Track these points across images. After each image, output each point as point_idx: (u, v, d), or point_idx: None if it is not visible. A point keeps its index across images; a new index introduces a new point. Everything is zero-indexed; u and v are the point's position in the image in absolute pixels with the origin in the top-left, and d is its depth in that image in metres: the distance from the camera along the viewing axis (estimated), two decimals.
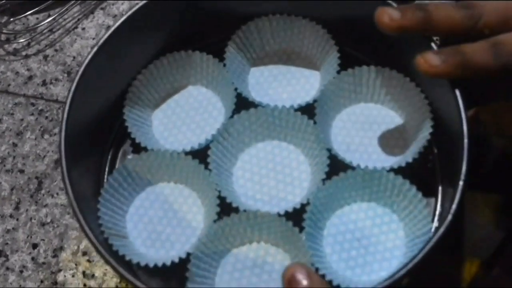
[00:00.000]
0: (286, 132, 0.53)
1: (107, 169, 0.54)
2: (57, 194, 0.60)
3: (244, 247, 0.50)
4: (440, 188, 0.50)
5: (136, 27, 0.51)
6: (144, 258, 0.48)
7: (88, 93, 0.50)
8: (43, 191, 0.60)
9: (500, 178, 0.69)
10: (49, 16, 0.69)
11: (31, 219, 0.59)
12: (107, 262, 0.43)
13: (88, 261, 0.57)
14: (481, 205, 0.70)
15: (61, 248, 0.58)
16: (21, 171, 0.61)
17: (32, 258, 0.58)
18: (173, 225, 0.51)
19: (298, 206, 0.48)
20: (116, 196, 0.51)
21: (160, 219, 0.52)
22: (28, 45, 0.68)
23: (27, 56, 0.67)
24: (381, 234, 0.50)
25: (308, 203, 0.48)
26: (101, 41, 0.50)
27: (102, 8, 0.69)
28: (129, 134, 0.52)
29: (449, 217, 0.41)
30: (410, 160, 0.49)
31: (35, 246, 0.58)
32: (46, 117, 0.64)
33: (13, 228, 0.59)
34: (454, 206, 0.41)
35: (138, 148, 0.52)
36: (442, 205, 0.49)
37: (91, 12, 0.68)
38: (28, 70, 0.66)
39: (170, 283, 0.49)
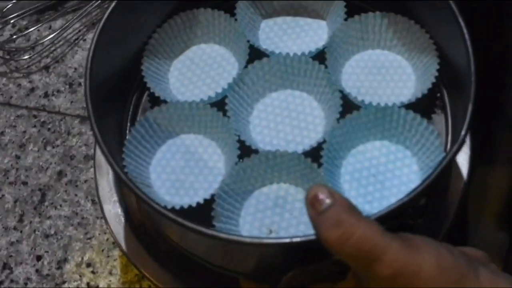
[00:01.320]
0: (299, 81, 0.55)
1: (128, 124, 0.56)
2: (61, 206, 0.60)
3: (265, 188, 0.52)
4: (450, 120, 0.53)
5: None
6: (170, 203, 0.50)
7: (106, 52, 0.52)
8: (46, 203, 0.61)
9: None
10: (50, 28, 0.69)
11: (34, 231, 0.59)
12: (137, 195, 0.45)
13: (92, 272, 0.58)
14: (493, 182, 0.71)
15: (65, 260, 0.58)
16: (24, 183, 0.62)
17: (36, 270, 0.58)
18: (195, 174, 0.53)
19: (315, 145, 0.50)
20: (139, 148, 0.53)
21: (182, 169, 0.54)
22: (30, 57, 0.68)
23: (28, 68, 0.68)
24: (395, 169, 0.52)
25: (324, 141, 0.50)
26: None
27: None
28: (149, 89, 0.54)
29: (462, 132, 0.43)
30: (419, 95, 0.51)
31: (39, 258, 0.59)
32: (49, 129, 0.64)
33: (17, 241, 0.59)
34: (465, 125, 0.43)
35: (159, 103, 0.54)
36: (452, 135, 0.52)
37: (92, 23, 0.69)
38: (30, 82, 0.66)
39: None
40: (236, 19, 0.56)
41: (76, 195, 0.62)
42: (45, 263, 0.59)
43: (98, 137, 0.46)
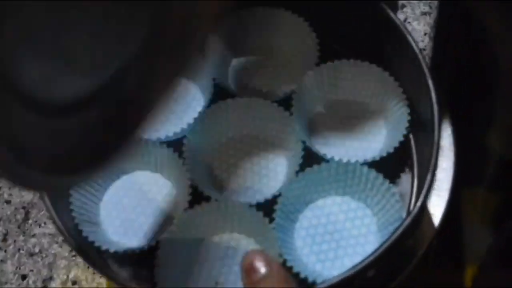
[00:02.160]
0: (264, 125, 0.53)
1: None
2: (45, 223, 0.59)
3: (216, 237, 0.50)
4: (415, 182, 0.50)
5: None
6: (115, 246, 0.48)
7: None
8: (30, 221, 0.59)
9: (499, 178, 0.68)
10: None
11: (19, 250, 0.58)
12: (74, 248, 0.43)
13: None
14: (480, 205, 0.70)
15: (51, 278, 0.57)
16: (8, 202, 0.60)
17: None
18: (146, 214, 0.51)
19: (269, 197, 0.48)
20: (90, 183, 0.51)
21: (134, 208, 0.51)
22: None
23: None
24: (353, 228, 0.49)
25: (280, 195, 0.48)
26: None
27: None
28: None
29: (415, 210, 0.41)
30: (384, 154, 0.49)
31: (24, 277, 0.57)
32: None
33: (1, 260, 0.58)
34: (420, 199, 0.41)
35: None
36: (416, 199, 0.49)
37: None
38: None
39: (141, 271, 0.49)
40: (204, 55, 0.54)
41: None
42: (30, 282, 0.58)
43: None
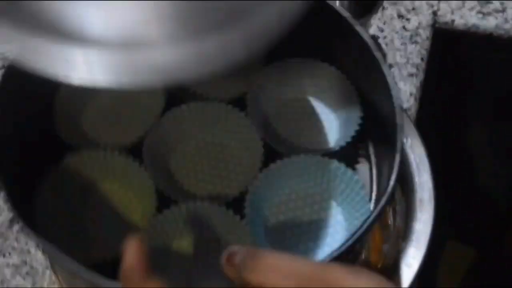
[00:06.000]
0: (220, 127, 0.53)
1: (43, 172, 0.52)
2: (9, 254, 0.57)
3: (187, 239, 0.49)
4: (374, 171, 0.52)
5: None
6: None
7: (13, 98, 0.48)
8: None
9: (477, 233, 0.71)
10: None
11: None
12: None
13: None
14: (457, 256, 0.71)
15: None
16: None
17: None
18: (111, 225, 0.50)
19: (236, 195, 0.48)
20: (54, 198, 0.49)
21: (100, 220, 0.50)
22: None
23: None
24: (320, 221, 0.50)
25: (247, 191, 0.48)
26: None
27: None
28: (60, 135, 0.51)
29: (390, 184, 0.42)
30: (343, 143, 0.50)
31: None
32: None
33: None
34: (393, 176, 0.42)
35: (73, 150, 0.51)
36: (378, 186, 0.51)
37: None
38: None
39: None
40: None
41: (26, 243, 0.58)
42: None
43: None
